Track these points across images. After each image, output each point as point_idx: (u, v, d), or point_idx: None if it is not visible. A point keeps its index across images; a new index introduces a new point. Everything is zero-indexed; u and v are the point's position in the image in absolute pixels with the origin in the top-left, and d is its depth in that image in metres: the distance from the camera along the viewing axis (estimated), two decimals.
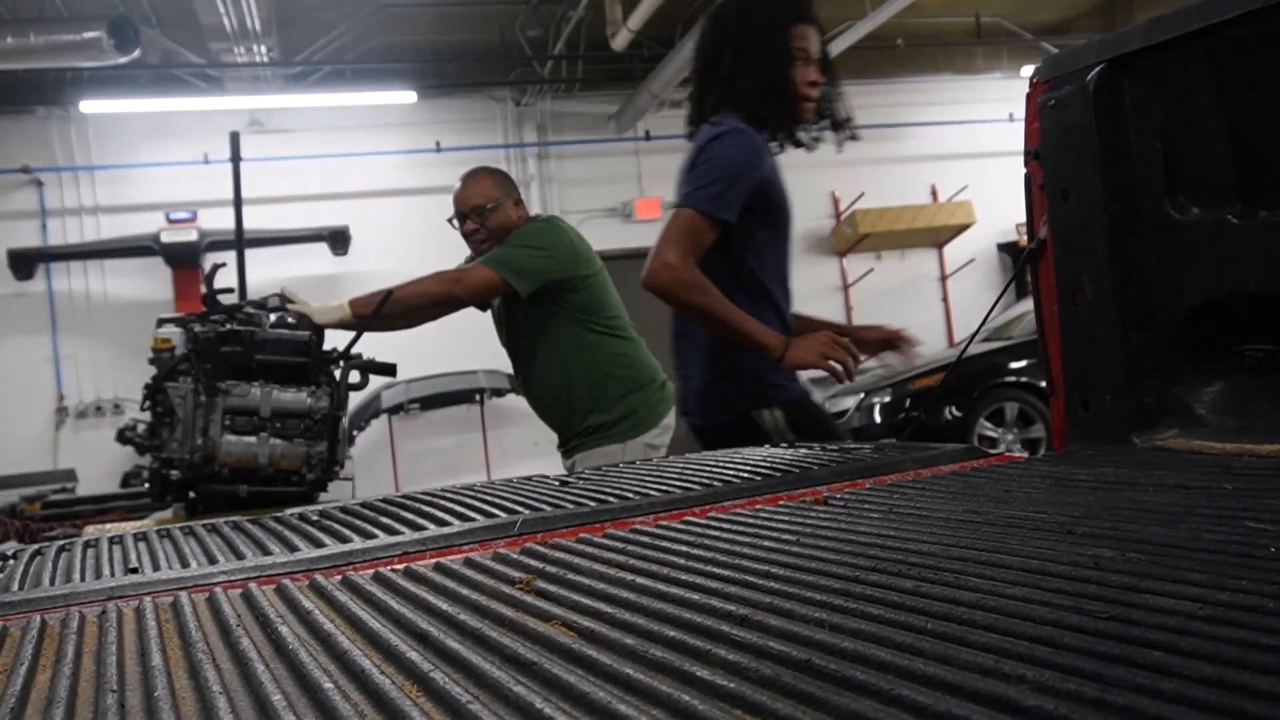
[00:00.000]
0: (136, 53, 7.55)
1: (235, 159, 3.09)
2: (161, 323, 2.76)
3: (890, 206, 10.71)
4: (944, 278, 11.43)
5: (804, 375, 2.53)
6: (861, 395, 8.12)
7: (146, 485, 2.71)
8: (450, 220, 3.00)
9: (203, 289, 2.82)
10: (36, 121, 9.34)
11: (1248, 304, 1.57)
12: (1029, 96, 1.82)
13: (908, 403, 7.72)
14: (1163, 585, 0.81)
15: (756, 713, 0.63)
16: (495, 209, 2.92)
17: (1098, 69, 1.66)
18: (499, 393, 9.21)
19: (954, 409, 7.67)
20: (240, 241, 3.14)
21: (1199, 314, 1.64)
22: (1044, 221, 1.80)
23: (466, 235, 2.98)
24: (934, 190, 11.31)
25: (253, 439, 2.59)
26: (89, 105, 8.86)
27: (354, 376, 2.79)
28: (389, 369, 2.80)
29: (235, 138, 3.13)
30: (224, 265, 2.85)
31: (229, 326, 2.66)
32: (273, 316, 2.78)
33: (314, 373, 2.71)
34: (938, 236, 11.10)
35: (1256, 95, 1.57)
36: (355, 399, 3.44)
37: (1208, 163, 1.62)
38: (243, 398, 2.60)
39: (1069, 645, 0.69)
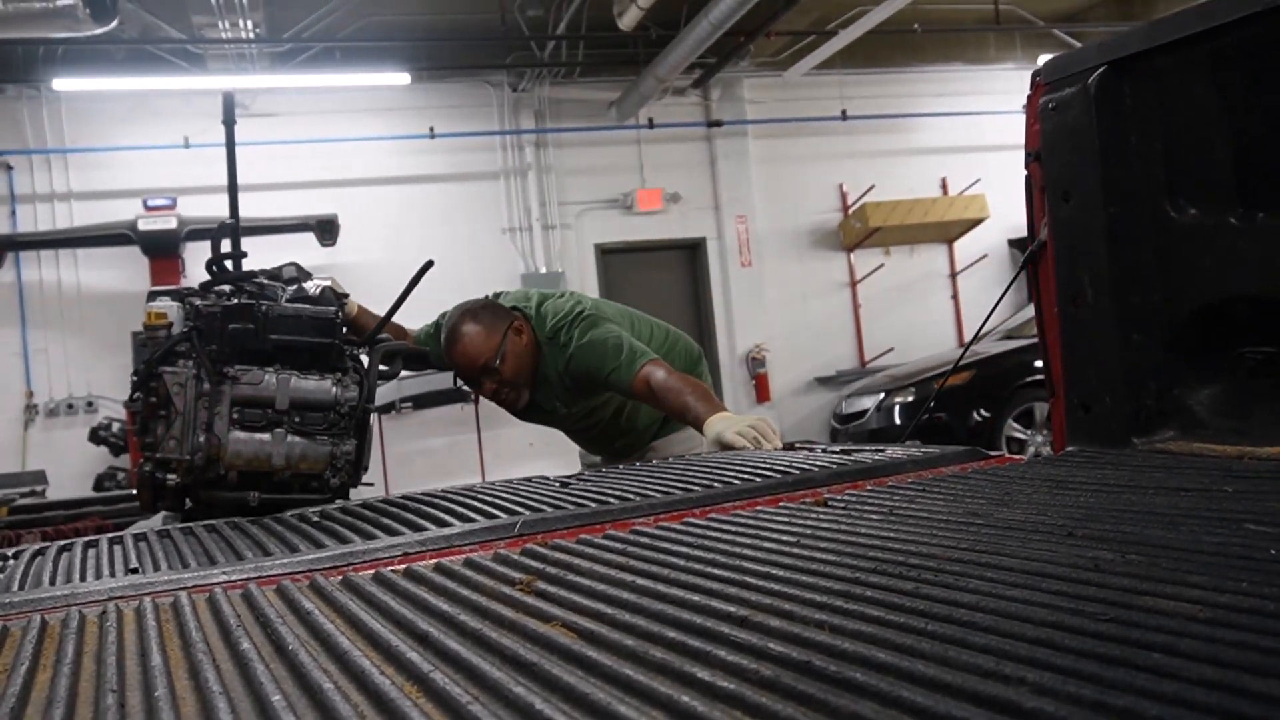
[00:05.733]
0: (114, 23, 7.02)
1: (229, 121, 2.53)
2: (155, 295, 2.28)
3: (901, 199, 10.27)
4: (954, 274, 11.08)
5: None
6: (881, 395, 7.67)
7: (135, 492, 2.19)
8: (457, 384, 2.76)
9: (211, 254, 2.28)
10: (5, 101, 8.79)
11: (1248, 306, 1.57)
12: (1029, 98, 1.82)
13: (931, 403, 7.20)
14: (1163, 587, 0.81)
15: (757, 714, 0.63)
16: (504, 355, 2.60)
17: (1099, 71, 1.66)
18: None
19: (982, 410, 7.13)
20: (235, 206, 2.56)
21: (1199, 316, 1.64)
22: (1044, 223, 1.80)
23: (491, 397, 2.66)
24: (944, 184, 10.97)
25: (266, 436, 2.11)
26: (62, 83, 8.33)
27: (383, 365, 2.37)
28: (423, 356, 2.43)
29: (229, 99, 2.63)
30: (237, 225, 2.40)
31: (238, 300, 2.18)
32: (289, 289, 2.32)
33: (339, 357, 2.24)
34: (948, 232, 10.76)
35: (1257, 98, 1.57)
36: None
37: (1208, 165, 1.62)
38: (255, 386, 2.12)
39: (1069, 647, 0.69)
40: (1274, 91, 1.54)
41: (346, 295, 2.43)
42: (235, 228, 2.40)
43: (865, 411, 7.76)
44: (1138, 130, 1.67)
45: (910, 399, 7.45)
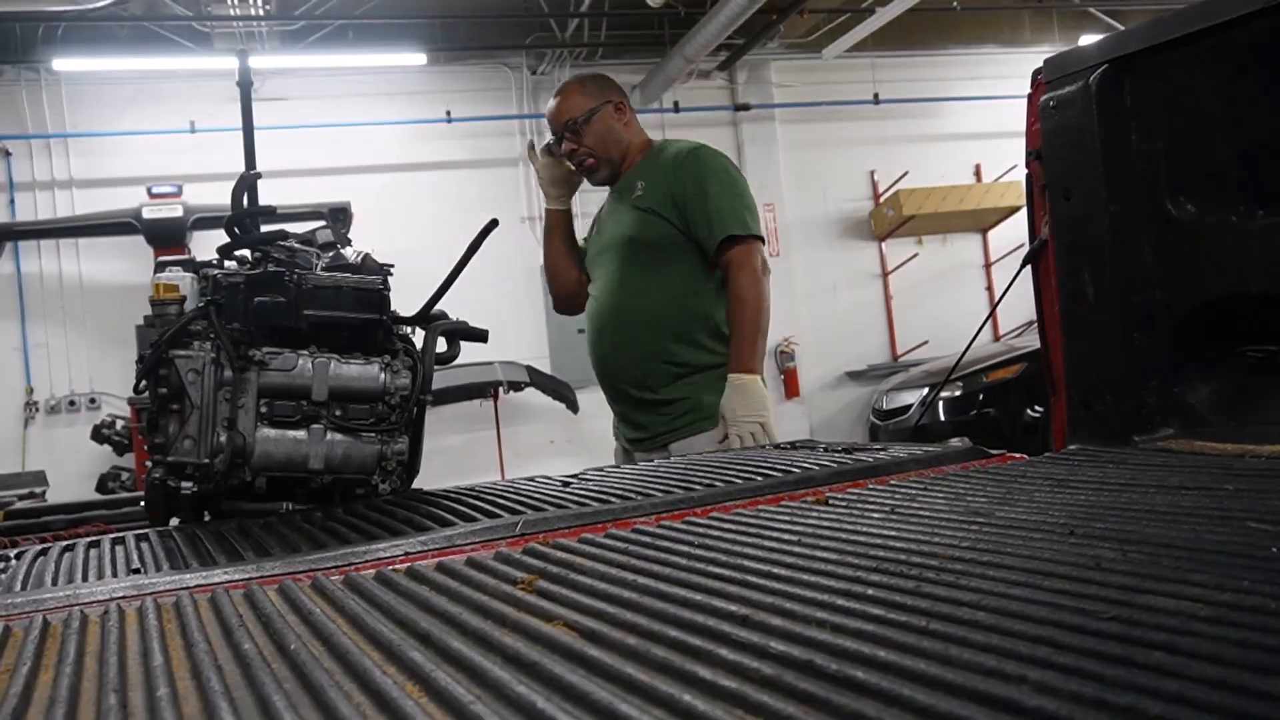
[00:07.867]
0: None
1: (244, 83, 2.28)
2: (163, 265, 1.91)
3: (935, 186, 9.74)
4: (989, 265, 10.48)
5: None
6: (925, 390, 7.36)
7: (144, 505, 1.88)
8: (548, 146, 2.76)
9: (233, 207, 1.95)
10: (3, 84, 8.46)
11: (1249, 304, 1.57)
12: (1030, 96, 1.82)
13: (980, 398, 6.85)
14: (1164, 586, 0.81)
15: (758, 713, 0.63)
16: (590, 119, 2.65)
17: (1100, 69, 1.66)
18: (516, 386, 8.41)
19: (1037, 406, 6.48)
20: (251, 155, 2.22)
21: (1200, 314, 1.64)
22: (1045, 222, 1.80)
23: (569, 157, 2.71)
24: (978, 170, 10.42)
25: (301, 433, 1.78)
26: (63, 63, 8.10)
27: (440, 345, 2.00)
28: (482, 335, 2.09)
29: (243, 59, 2.37)
30: (260, 175, 2.05)
31: (265, 268, 1.83)
32: (325, 256, 1.97)
33: (388, 338, 1.91)
34: (982, 220, 10.22)
35: (1259, 96, 1.57)
36: None
37: (1210, 163, 1.62)
38: (287, 373, 1.78)
39: (1070, 646, 0.69)
40: (1275, 89, 1.54)
41: (391, 267, 2.08)
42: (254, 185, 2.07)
43: (907, 407, 7.47)
44: (1139, 128, 1.67)
45: (957, 393, 7.03)
